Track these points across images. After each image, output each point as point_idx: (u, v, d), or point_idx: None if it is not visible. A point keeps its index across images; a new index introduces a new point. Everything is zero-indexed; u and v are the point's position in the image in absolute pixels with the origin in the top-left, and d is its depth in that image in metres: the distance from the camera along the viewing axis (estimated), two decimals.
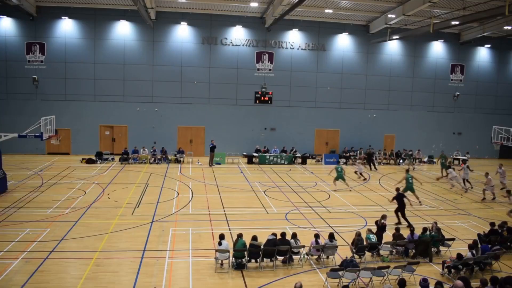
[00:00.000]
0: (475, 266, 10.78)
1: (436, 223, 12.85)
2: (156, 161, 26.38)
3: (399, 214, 14.87)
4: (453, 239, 12.44)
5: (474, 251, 10.94)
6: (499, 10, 18.84)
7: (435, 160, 30.67)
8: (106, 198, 17.24)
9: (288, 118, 30.14)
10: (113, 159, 26.49)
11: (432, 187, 21.94)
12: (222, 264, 10.82)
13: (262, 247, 10.88)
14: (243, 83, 29.45)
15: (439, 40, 31.91)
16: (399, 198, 14.93)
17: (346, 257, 10.40)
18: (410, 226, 13.66)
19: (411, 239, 11.98)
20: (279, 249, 10.92)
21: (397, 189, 15.79)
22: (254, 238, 11.03)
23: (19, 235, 12.52)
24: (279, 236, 11.32)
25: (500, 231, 12.76)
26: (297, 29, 29.66)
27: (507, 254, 12.09)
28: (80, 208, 15.73)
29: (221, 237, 11.07)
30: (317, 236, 11.58)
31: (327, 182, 22.14)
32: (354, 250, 11.34)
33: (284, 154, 28.43)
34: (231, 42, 29.08)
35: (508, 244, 12.52)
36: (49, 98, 27.34)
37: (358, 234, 11.67)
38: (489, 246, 11.48)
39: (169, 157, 26.99)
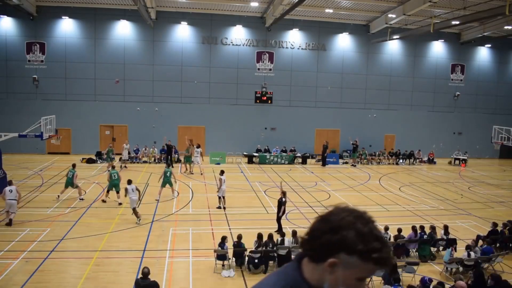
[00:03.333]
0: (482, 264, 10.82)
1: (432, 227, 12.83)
2: (158, 160, 26.35)
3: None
4: (452, 239, 12.44)
5: (471, 252, 10.94)
6: (499, 10, 18.83)
7: (435, 160, 30.71)
8: (106, 198, 17.22)
9: (288, 118, 30.11)
10: (113, 158, 26.42)
11: (433, 187, 21.94)
12: (223, 265, 10.80)
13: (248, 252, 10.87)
14: (243, 83, 29.43)
15: (439, 40, 31.89)
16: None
17: None
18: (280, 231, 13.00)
19: (412, 239, 11.98)
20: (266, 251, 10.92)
21: (284, 193, 13.90)
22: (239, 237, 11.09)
23: (19, 234, 12.52)
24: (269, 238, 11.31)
25: (501, 229, 12.77)
26: (297, 29, 29.64)
27: (509, 254, 12.12)
28: (80, 208, 15.74)
29: (223, 239, 11.00)
30: None
31: (327, 182, 22.14)
32: None
33: (285, 154, 28.42)
34: (231, 42, 29.06)
35: (510, 245, 12.52)
36: (49, 97, 27.33)
37: None
38: (492, 247, 11.50)
39: (174, 158, 26.40)
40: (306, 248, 1.48)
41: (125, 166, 24.46)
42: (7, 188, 13.78)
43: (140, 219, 14.18)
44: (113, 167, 17.84)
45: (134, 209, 14.21)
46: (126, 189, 14.44)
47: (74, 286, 9.43)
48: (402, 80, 31.71)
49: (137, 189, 14.42)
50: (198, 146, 23.79)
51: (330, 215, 1.45)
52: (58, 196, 16.63)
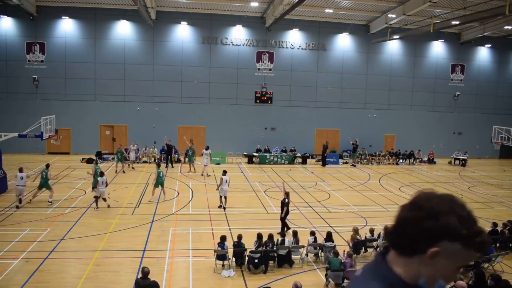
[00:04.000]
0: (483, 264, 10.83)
1: None
2: (158, 160, 26.32)
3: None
4: None
5: None
6: (499, 10, 18.83)
7: (435, 160, 30.71)
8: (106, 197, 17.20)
9: (288, 118, 30.10)
10: (113, 158, 26.45)
11: (433, 187, 21.89)
12: (223, 265, 10.79)
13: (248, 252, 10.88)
14: (243, 83, 29.43)
15: (439, 40, 31.88)
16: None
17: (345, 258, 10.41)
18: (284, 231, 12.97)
19: None
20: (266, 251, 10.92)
21: (287, 194, 13.72)
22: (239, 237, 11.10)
23: (19, 234, 12.52)
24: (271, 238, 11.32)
25: (501, 229, 12.77)
26: (297, 29, 29.64)
27: (509, 254, 12.12)
28: (80, 207, 15.74)
29: (223, 238, 10.97)
30: (313, 233, 11.70)
31: (327, 182, 22.14)
32: (351, 247, 11.35)
33: (285, 154, 28.41)
34: (231, 42, 29.06)
35: (510, 245, 12.51)
36: (49, 97, 27.33)
37: (355, 230, 11.70)
38: (492, 247, 11.50)
39: (173, 158, 26.45)
40: (396, 241, 1.33)
41: (132, 167, 24.47)
42: (19, 175, 15.26)
43: (98, 208, 15.30)
44: (97, 163, 18.27)
45: (97, 197, 15.39)
46: (97, 181, 15.56)
47: (74, 286, 9.43)
48: (402, 80, 31.70)
49: (106, 182, 15.74)
50: (207, 148, 23.58)
51: (420, 201, 1.31)
52: (51, 202, 16.01)
